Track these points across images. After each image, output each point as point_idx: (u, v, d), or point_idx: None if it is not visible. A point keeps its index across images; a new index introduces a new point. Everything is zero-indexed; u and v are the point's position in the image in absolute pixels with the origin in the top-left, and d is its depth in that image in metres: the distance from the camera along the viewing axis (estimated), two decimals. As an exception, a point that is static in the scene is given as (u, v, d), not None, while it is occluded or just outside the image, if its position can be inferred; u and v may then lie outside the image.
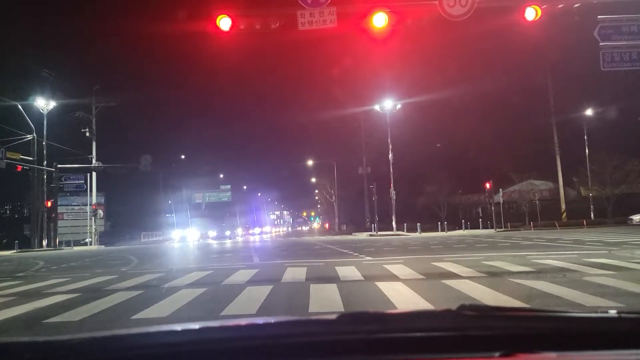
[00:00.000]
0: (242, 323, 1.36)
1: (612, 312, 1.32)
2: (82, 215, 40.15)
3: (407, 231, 37.41)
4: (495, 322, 1.23)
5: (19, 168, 32.09)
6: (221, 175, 67.33)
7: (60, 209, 39.55)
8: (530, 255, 11.78)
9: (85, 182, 39.23)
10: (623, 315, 1.29)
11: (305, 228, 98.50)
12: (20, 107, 32.93)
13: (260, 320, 1.29)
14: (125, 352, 1.15)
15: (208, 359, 1.13)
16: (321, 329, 1.24)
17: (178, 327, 1.27)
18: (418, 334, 1.17)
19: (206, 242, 40.65)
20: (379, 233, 36.64)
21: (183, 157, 59.18)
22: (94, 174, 37.98)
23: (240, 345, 1.16)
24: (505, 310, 1.39)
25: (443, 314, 1.27)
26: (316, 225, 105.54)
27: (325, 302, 6.30)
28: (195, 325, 1.27)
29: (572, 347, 1.16)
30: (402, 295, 6.55)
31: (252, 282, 8.68)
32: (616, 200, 37.10)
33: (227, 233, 48.57)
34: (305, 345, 1.16)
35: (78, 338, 1.22)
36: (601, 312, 1.42)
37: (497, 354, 1.09)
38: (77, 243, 37.37)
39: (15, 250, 32.54)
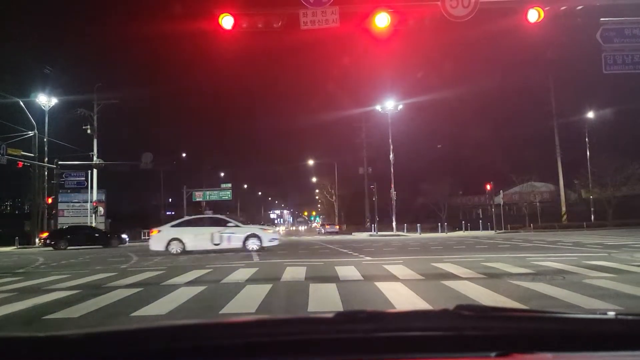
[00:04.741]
0: (240, 320, 1.37)
1: (609, 314, 1.32)
2: (83, 212, 40.14)
3: (407, 232, 37.43)
4: (492, 323, 1.23)
5: (20, 164, 32.09)
6: (222, 174, 67.33)
7: (60, 206, 39.60)
8: (530, 257, 11.78)
9: (86, 179, 39.26)
10: (620, 316, 1.29)
11: (302, 228, 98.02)
12: (22, 103, 32.96)
13: (257, 318, 1.30)
14: (124, 348, 1.16)
15: (206, 356, 1.14)
16: (318, 328, 1.24)
17: (177, 324, 1.28)
18: (415, 334, 1.17)
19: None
20: (379, 233, 36.67)
21: (184, 155, 59.21)
22: (94, 171, 37.98)
23: (238, 343, 1.16)
24: (502, 310, 1.40)
25: (440, 313, 1.27)
26: (316, 225, 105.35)
27: (325, 301, 6.31)
28: (194, 322, 1.27)
29: (569, 348, 1.16)
30: (401, 296, 6.55)
31: (252, 280, 8.69)
32: (617, 203, 37.09)
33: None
34: (302, 343, 1.16)
35: (77, 334, 1.22)
36: (598, 314, 1.42)
37: (493, 354, 1.09)
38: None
39: (15, 247, 32.60)
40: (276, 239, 18.46)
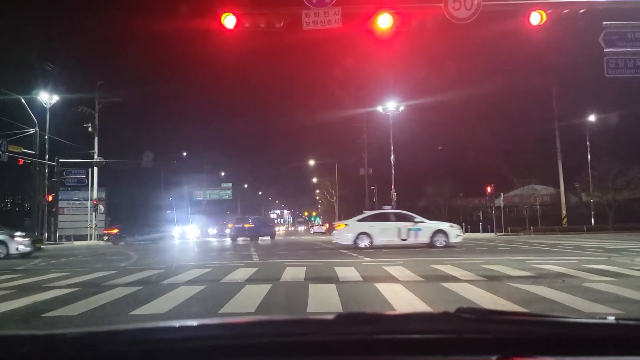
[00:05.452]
0: (239, 321, 1.37)
1: (609, 318, 1.32)
2: (83, 210, 40.17)
3: (407, 233, 37.32)
4: (492, 326, 1.23)
5: (21, 162, 32.09)
6: (222, 173, 67.39)
7: (61, 204, 39.58)
8: (530, 260, 11.77)
9: (87, 177, 39.26)
10: (620, 321, 1.29)
11: (301, 228, 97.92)
12: (23, 100, 32.95)
13: (257, 319, 1.30)
14: (122, 347, 1.15)
15: (204, 356, 1.13)
16: (318, 329, 1.24)
17: (176, 323, 1.28)
18: (415, 336, 1.17)
19: (206, 239, 40.69)
20: (379, 234, 36.58)
21: (185, 154, 59.24)
22: (95, 169, 38.00)
23: (237, 343, 1.16)
24: (503, 314, 1.40)
25: (440, 316, 1.27)
26: (318, 225, 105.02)
27: (324, 302, 6.30)
28: (193, 322, 1.27)
29: (568, 352, 1.16)
30: (401, 297, 6.55)
31: (251, 280, 8.68)
32: (618, 207, 37.06)
33: (227, 231, 48.57)
34: (301, 344, 1.16)
35: (75, 332, 1.22)
36: (598, 318, 1.42)
37: (493, 358, 1.09)
38: (78, 237, 37.52)
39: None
40: (460, 235, 18.23)
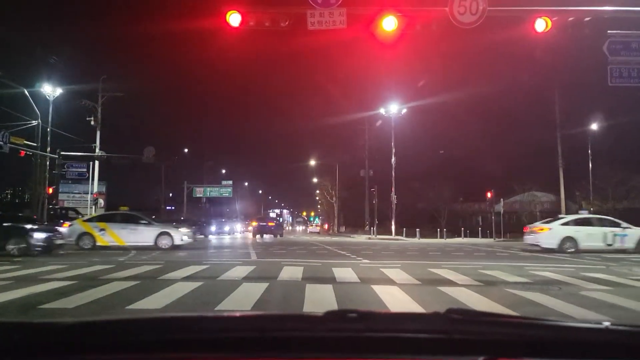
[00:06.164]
0: (231, 315, 1.38)
1: (599, 324, 1.32)
2: (83, 204, 40.17)
3: (406, 236, 37.34)
4: (481, 327, 1.24)
5: (23, 153, 32.07)
6: (223, 171, 67.40)
7: (61, 196, 39.67)
8: (527, 266, 11.77)
9: (88, 171, 39.27)
10: (610, 326, 1.29)
11: (300, 228, 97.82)
12: (27, 93, 32.93)
13: (247, 314, 1.31)
14: (115, 338, 1.16)
15: (194, 348, 1.14)
16: (309, 326, 1.25)
17: (167, 315, 1.28)
18: (404, 335, 1.18)
19: (207, 237, 40.75)
20: (378, 237, 36.64)
21: (186, 150, 59.19)
22: (96, 162, 37.98)
23: (226, 337, 1.17)
24: (492, 315, 1.40)
25: (430, 316, 1.28)
26: (316, 225, 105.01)
27: (321, 302, 6.32)
28: (184, 315, 1.28)
29: (557, 355, 1.17)
30: (397, 299, 6.56)
31: (249, 278, 8.70)
32: (618, 216, 37.01)
33: (226, 229, 48.64)
34: (291, 340, 1.17)
35: (68, 322, 1.23)
36: (588, 323, 1.42)
37: (481, 358, 1.10)
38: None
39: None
40: None
